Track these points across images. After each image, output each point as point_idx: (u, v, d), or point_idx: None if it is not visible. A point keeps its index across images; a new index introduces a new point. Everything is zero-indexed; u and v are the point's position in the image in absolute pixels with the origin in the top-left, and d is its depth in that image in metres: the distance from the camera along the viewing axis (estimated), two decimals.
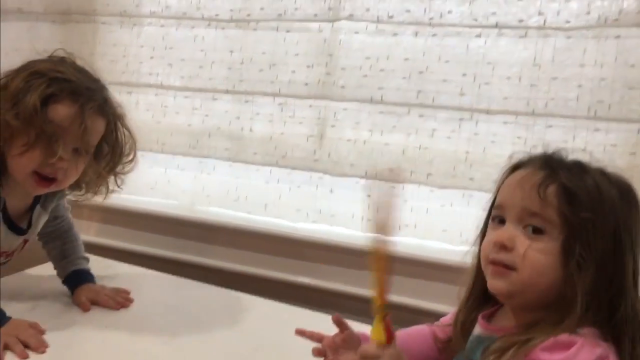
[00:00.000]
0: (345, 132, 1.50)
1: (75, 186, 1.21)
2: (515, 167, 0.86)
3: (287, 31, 1.53)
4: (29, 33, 1.82)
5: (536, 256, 0.78)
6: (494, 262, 0.82)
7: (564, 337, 0.74)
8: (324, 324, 1.24)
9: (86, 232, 1.79)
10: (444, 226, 1.44)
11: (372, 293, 0.79)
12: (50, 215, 1.28)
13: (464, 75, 1.37)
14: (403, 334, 1.00)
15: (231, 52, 1.59)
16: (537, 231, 0.79)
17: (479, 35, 1.36)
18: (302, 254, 1.56)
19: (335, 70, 1.48)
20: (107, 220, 1.79)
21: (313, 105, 1.53)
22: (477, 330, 0.89)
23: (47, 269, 1.35)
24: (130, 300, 1.27)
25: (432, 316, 1.10)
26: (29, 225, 1.22)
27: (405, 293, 1.43)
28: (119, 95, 1.76)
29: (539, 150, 0.88)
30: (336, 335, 0.96)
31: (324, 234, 1.54)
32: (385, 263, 0.78)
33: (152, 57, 1.69)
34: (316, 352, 0.97)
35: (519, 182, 0.81)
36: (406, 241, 1.47)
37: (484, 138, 1.38)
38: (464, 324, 0.91)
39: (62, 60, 1.15)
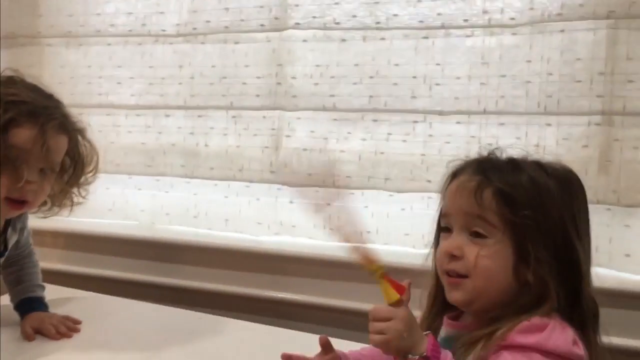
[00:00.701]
0: (301, 142, 1.48)
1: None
2: (454, 174, 0.87)
3: (236, 43, 1.51)
4: None
5: (486, 262, 0.79)
6: (448, 274, 0.84)
7: (536, 319, 0.75)
8: (287, 339, 1.24)
9: (49, 259, 1.75)
10: (406, 230, 1.43)
11: (360, 263, 0.81)
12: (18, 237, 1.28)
13: (415, 77, 1.37)
14: (363, 352, 1.00)
15: (180, 67, 1.57)
16: (480, 236, 0.80)
17: (426, 37, 1.36)
18: (266, 267, 1.54)
19: (286, 79, 1.47)
20: (69, 246, 1.75)
21: (267, 117, 1.51)
22: (444, 331, 0.89)
23: None
24: (76, 330, 1.24)
25: None
26: (5, 247, 1.23)
27: (369, 299, 1.42)
28: None
29: (493, 148, 0.89)
30: (320, 357, 0.95)
31: (286, 246, 1.53)
32: (352, 233, 0.80)
33: (100, 77, 1.66)
34: None
35: (457, 190, 0.83)
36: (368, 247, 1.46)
37: (438, 139, 1.38)
38: (428, 330, 0.91)
39: (11, 80, 1.13)
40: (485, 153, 0.87)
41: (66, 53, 1.69)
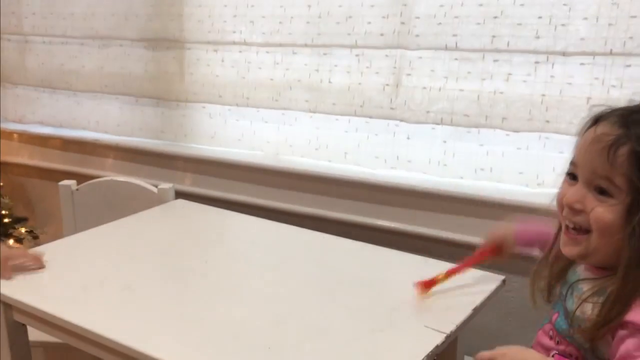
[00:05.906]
0: (421, 80, 1.54)
1: None
2: (596, 120, 0.83)
3: None
4: None
5: (601, 216, 0.80)
6: (567, 228, 0.85)
7: None
8: (399, 261, 1.33)
9: (180, 181, 1.94)
10: (520, 169, 1.47)
11: None
12: None
13: (540, 17, 1.38)
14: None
15: (309, 6, 1.65)
16: (603, 192, 0.80)
17: None
18: (381, 199, 1.63)
19: (410, 19, 1.52)
20: (199, 170, 1.93)
21: (389, 55, 1.58)
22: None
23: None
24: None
25: None
26: None
27: (482, 235, 1.48)
28: (206, 54, 1.89)
29: (618, 94, 0.86)
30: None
31: (401, 179, 1.61)
32: None
33: (235, 16, 1.78)
34: None
35: (592, 142, 0.81)
36: (482, 184, 1.51)
37: (560, 80, 1.39)
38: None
39: None
40: (631, 106, 0.82)
41: None
